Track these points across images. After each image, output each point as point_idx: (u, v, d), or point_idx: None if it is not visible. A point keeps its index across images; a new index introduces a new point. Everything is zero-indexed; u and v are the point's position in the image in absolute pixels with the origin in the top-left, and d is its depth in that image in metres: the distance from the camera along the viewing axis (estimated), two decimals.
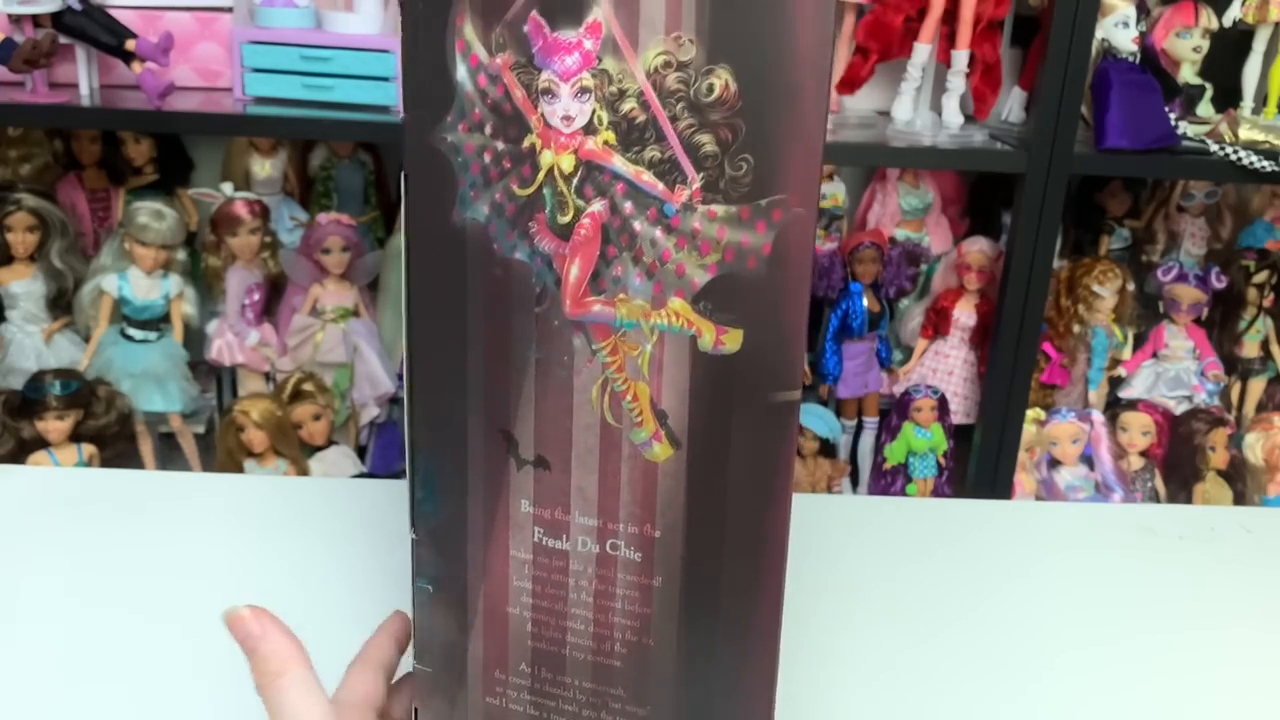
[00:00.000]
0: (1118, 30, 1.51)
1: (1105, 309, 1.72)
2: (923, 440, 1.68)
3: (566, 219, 0.40)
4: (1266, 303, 1.76)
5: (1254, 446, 1.72)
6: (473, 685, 0.47)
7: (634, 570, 0.43)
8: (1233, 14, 1.63)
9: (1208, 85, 1.69)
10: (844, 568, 0.76)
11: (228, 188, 1.65)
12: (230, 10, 1.59)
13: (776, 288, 0.38)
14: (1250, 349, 1.80)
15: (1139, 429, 1.72)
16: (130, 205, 1.62)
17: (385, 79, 1.50)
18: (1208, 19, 1.64)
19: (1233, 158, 1.50)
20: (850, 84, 1.61)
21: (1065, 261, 1.75)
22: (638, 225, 0.39)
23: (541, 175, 0.39)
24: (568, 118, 0.38)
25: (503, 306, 0.41)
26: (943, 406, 1.69)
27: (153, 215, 1.58)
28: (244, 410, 1.59)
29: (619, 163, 0.38)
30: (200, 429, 1.75)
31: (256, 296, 1.66)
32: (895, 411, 1.71)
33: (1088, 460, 1.70)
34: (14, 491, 0.81)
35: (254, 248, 1.64)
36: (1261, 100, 1.67)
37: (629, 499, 0.42)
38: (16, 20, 1.47)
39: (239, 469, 1.61)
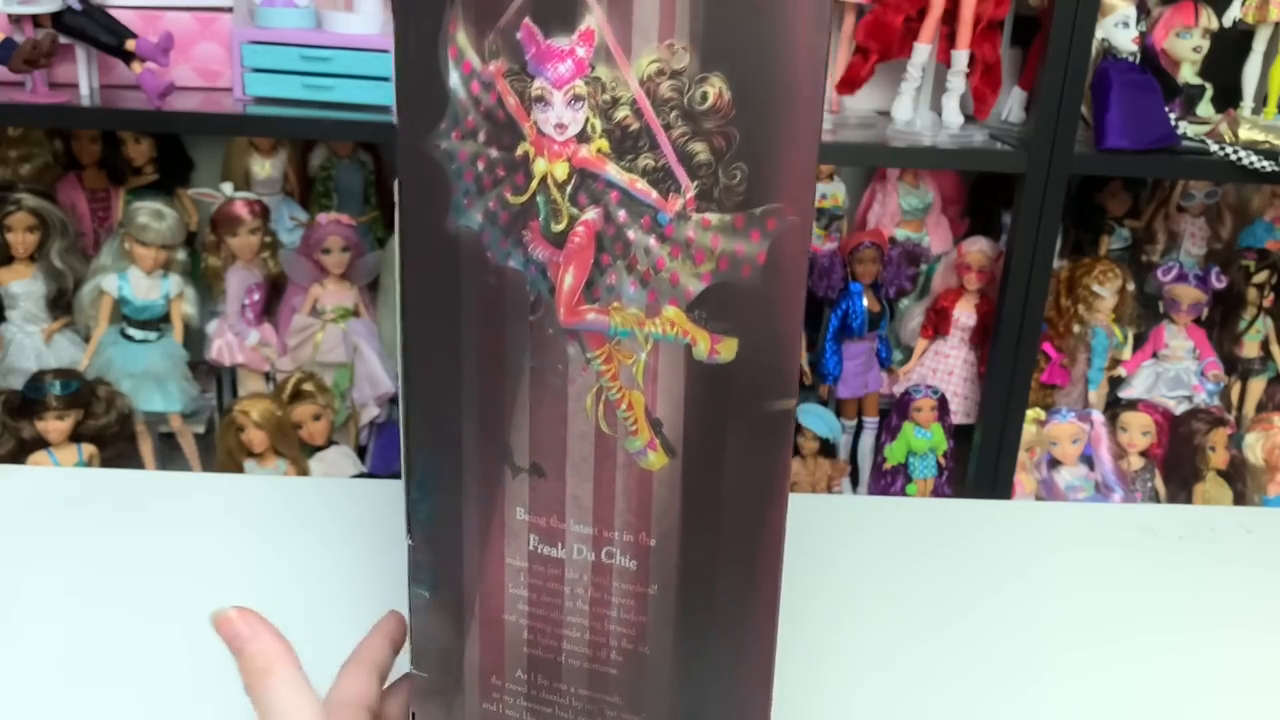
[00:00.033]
0: (1118, 30, 1.51)
1: (1105, 309, 1.72)
2: (923, 440, 1.68)
3: (560, 227, 0.39)
4: (1266, 303, 1.76)
5: (1254, 446, 1.72)
6: (469, 691, 0.47)
7: (629, 578, 0.43)
8: (1233, 14, 1.63)
9: (1208, 85, 1.69)
10: (844, 568, 0.76)
11: (228, 188, 1.65)
12: (230, 10, 1.59)
13: (771, 296, 0.38)
14: (1250, 349, 1.80)
15: (1139, 429, 1.72)
16: (130, 205, 1.62)
17: (385, 79, 1.50)
18: (1208, 19, 1.64)
19: (1233, 158, 1.50)
20: (850, 84, 1.60)
21: (1065, 261, 1.75)
22: (632, 234, 0.39)
23: (535, 183, 0.39)
24: (561, 125, 0.38)
25: (497, 314, 0.41)
26: (943, 406, 1.69)
27: (153, 215, 1.58)
28: (244, 410, 1.60)
29: (612, 171, 0.38)
30: (200, 429, 1.76)
31: (256, 296, 1.66)
32: (895, 411, 1.71)
33: (1088, 460, 1.70)
34: (14, 491, 0.81)
35: (254, 248, 1.64)
36: (1261, 100, 1.67)
37: (624, 507, 0.42)
38: (16, 20, 1.47)
39: (239, 469, 1.61)
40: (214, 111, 1.53)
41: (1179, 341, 1.75)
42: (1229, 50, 1.67)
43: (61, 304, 1.66)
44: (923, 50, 1.56)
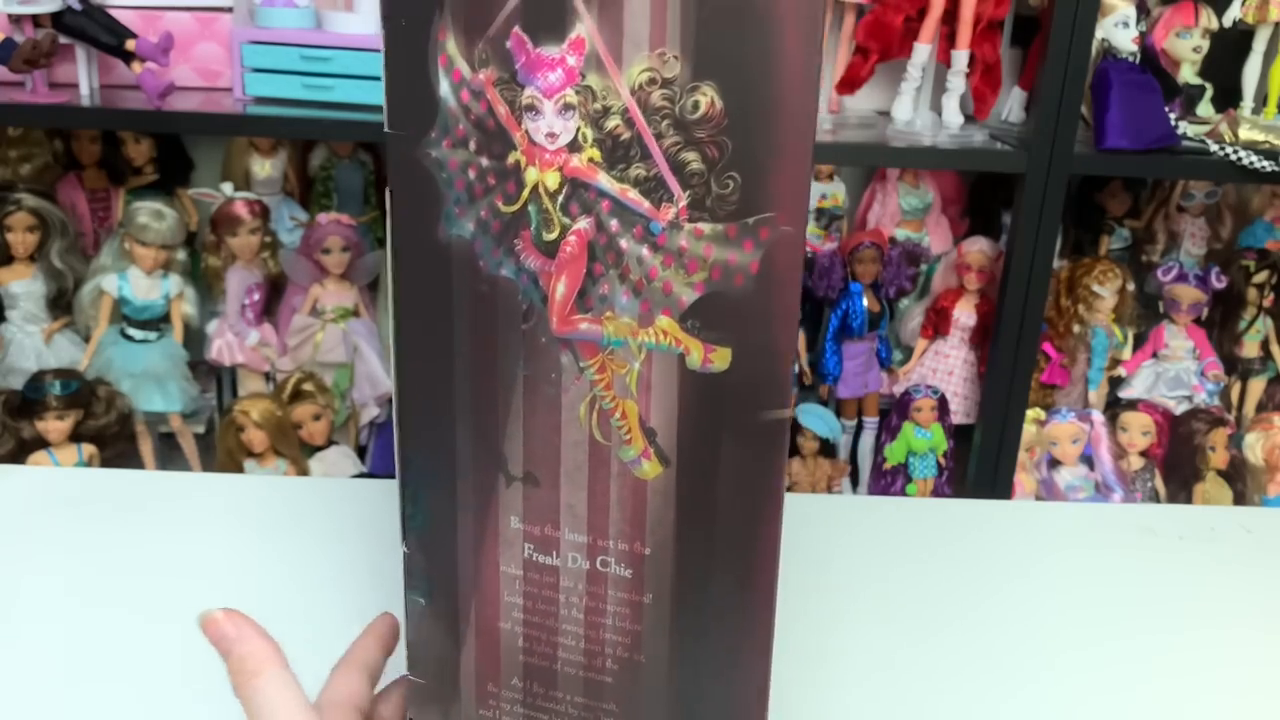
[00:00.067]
0: (1118, 30, 1.51)
1: (1105, 309, 1.72)
2: (923, 440, 1.68)
3: (552, 236, 0.39)
4: (1266, 303, 1.76)
5: (1254, 446, 1.72)
6: (465, 698, 0.47)
7: (624, 587, 0.43)
8: (1233, 14, 1.63)
9: (1208, 85, 1.69)
10: (844, 568, 0.76)
11: (228, 188, 1.65)
12: (230, 10, 1.59)
13: (765, 306, 0.38)
14: (1250, 349, 1.80)
15: (1139, 429, 1.72)
16: (130, 205, 1.62)
17: None
18: (1208, 19, 1.64)
19: (1233, 158, 1.49)
20: (850, 84, 1.60)
21: (1065, 261, 1.75)
22: (624, 243, 0.39)
23: (526, 192, 0.39)
24: (552, 134, 0.38)
25: (489, 323, 0.41)
26: (943, 406, 1.68)
27: (153, 215, 1.58)
28: (244, 410, 1.60)
29: (604, 180, 0.38)
30: (200, 429, 1.76)
31: (256, 296, 1.66)
32: (895, 411, 1.71)
33: (1088, 460, 1.70)
34: (14, 491, 0.81)
35: (254, 248, 1.64)
36: (1261, 100, 1.67)
37: (618, 516, 0.42)
38: (16, 20, 1.47)
39: (239, 469, 1.61)
40: (214, 111, 1.53)
41: (1179, 341, 1.75)
42: (1229, 50, 1.66)
43: (61, 304, 1.66)
44: (923, 50, 1.56)
